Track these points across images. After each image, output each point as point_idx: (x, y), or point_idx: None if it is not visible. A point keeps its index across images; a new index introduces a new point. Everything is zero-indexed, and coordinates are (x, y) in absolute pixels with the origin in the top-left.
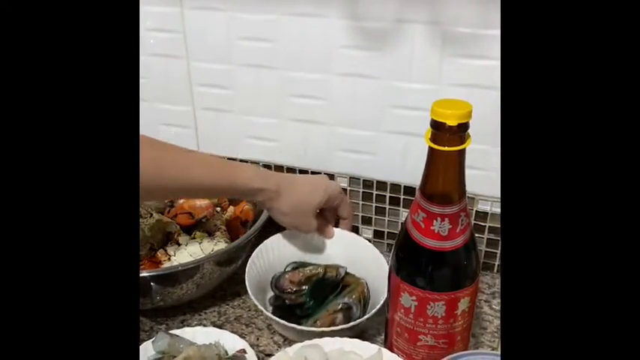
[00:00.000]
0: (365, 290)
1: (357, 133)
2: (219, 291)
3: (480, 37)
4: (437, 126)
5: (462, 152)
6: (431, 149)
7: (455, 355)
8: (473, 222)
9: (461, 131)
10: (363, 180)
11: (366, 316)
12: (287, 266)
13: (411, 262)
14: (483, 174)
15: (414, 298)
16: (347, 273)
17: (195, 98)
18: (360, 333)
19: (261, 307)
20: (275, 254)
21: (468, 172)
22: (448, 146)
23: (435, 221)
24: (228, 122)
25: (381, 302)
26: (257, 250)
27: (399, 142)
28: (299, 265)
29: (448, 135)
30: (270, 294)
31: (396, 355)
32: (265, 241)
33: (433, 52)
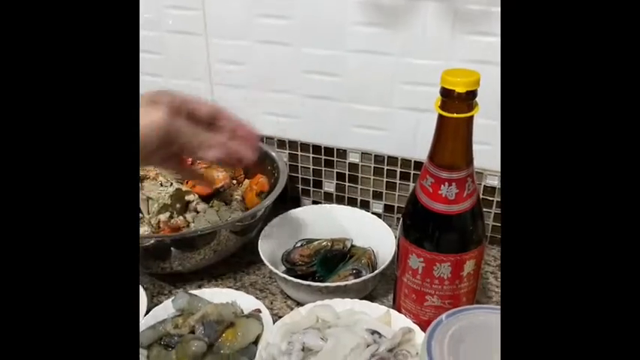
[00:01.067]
0: (372, 257)
1: (370, 109)
2: (234, 259)
3: (490, 15)
4: (446, 93)
5: (470, 119)
6: (440, 116)
7: (458, 309)
8: (481, 197)
9: (469, 99)
10: (375, 155)
11: (376, 271)
12: (296, 243)
13: (419, 225)
14: (492, 149)
15: (421, 259)
16: (353, 245)
17: (212, 74)
18: (370, 298)
19: (275, 270)
20: (283, 233)
21: (476, 147)
22: (457, 113)
23: (442, 186)
24: (244, 99)
25: (390, 259)
26: (266, 227)
27: (411, 117)
28: (307, 242)
29: (457, 102)
30: (282, 269)
31: (404, 316)
32: (273, 220)
33: (444, 29)
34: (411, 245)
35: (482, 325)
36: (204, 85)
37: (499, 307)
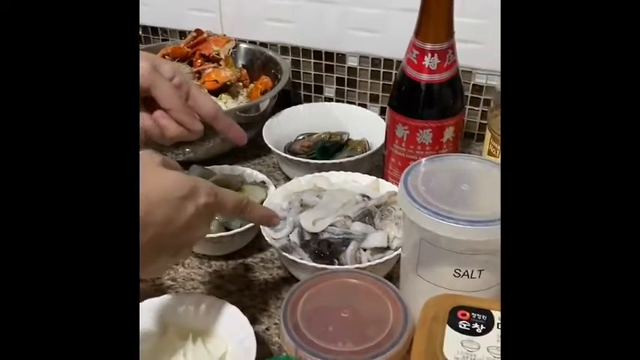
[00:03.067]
0: (367, 146)
1: (367, 11)
2: (241, 152)
3: None
4: None
5: None
6: None
7: (434, 155)
8: (470, 95)
9: None
10: (372, 58)
11: (369, 151)
12: (297, 136)
13: (405, 95)
14: (481, 48)
15: (406, 127)
16: (349, 138)
17: None
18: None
19: (279, 152)
20: (285, 127)
21: (465, 46)
22: None
23: (426, 57)
24: (250, 5)
25: (382, 142)
26: (270, 119)
27: (407, 19)
28: (307, 135)
29: None
30: None
31: (390, 183)
32: (276, 114)
33: None
34: (397, 115)
35: (455, 166)
36: None
37: (472, 154)
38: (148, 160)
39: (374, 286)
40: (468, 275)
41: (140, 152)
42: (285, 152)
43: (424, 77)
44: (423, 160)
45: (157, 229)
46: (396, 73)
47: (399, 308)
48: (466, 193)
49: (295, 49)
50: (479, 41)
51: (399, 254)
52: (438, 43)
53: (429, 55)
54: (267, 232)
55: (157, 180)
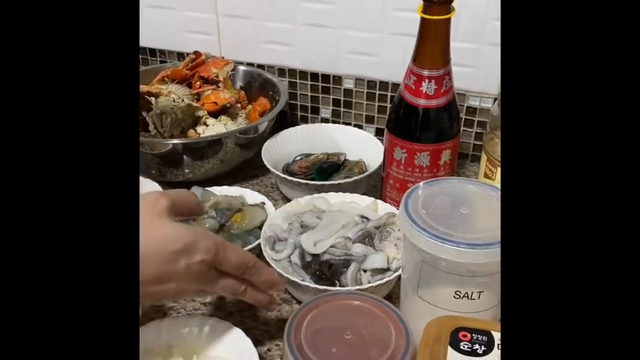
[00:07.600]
0: (363, 167)
1: (363, 35)
2: (239, 172)
3: None
4: None
5: (448, 21)
6: (422, 20)
7: (434, 179)
8: (464, 117)
9: (447, 2)
10: (368, 81)
11: (367, 173)
12: (295, 157)
13: (403, 120)
14: (474, 71)
15: (404, 150)
16: (346, 159)
17: (218, 5)
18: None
19: (277, 172)
20: (284, 148)
21: (459, 69)
22: (437, 15)
23: (423, 82)
24: (248, 28)
25: (379, 164)
26: (269, 141)
27: (400, 43)
28: (305, 155)
29: (437, 6)
30: None
31: (389, 205)
32: (274, 135)
33: None
34: (395, 139)
35: (453, 190)
36: (211, 17)
37: (470, 178)
38: (149, 207)
39: (375, 307)
40: (468, 297)
41: (145, 195)
42: (283, 173)
43: (422, 102)
44: (422, 183)
45: (143, 284)
46: (391, 96)
47: (400, 329)
48: (465, 216)
49: (292, 72)
50: (471, 65)
51: (399, 275)
52: (435, 69)
53: (426, 80)
54: (268, 254)
55: (152, 232)
